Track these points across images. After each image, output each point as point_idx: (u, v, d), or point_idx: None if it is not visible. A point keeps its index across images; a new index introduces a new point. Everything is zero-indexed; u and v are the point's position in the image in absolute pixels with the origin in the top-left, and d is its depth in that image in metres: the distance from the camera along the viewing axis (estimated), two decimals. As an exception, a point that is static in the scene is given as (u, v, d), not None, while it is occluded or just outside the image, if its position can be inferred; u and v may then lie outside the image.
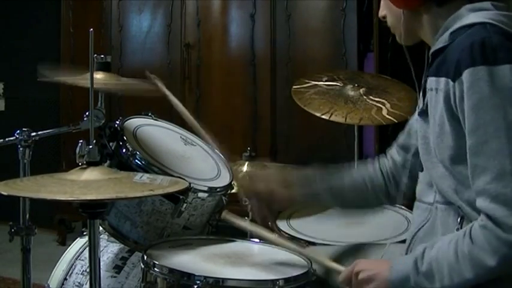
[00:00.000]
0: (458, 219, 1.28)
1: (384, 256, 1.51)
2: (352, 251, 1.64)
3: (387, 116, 2.28)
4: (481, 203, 1.19)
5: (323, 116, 2.28)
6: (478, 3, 1.30)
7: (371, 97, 2.36)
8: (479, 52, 1.19)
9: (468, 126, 1.20)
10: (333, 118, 2.28)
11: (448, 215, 1.30)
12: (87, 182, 1.34)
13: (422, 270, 1.25)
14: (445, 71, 1.25)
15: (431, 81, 1.31)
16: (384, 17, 1.46)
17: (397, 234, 1.88)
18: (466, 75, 1.19)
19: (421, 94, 1.39)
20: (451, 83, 1.23)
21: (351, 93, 2.38)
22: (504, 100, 1.17)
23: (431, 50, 1.34)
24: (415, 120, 1.47)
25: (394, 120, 2.26)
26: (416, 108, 1.44)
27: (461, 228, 1.26)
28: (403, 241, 1.54)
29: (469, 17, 1.27)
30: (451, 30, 1.28)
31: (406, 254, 1.38)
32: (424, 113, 1.35)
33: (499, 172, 1.16)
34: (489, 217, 1.17)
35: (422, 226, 1.36)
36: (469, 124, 1.20)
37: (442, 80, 1.25)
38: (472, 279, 1.20)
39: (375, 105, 2.32)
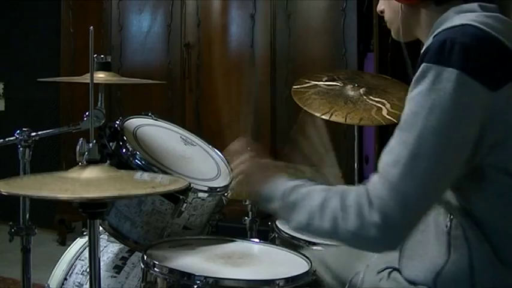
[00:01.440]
0: (447, 219, 1.28)
1: (380, 255, 1.51)
2: (349, 251, 1.64)
3: (387, 116, 2.28)
4: (373, 177, 1.21)
5: (323, 116, 2.28)
6: (465, 5, 1.29)
7: (371, 97, 2.36)
8: (437, 50, 1.19)
9: (403, 112, 1.21)
10: (333, 118, 2.28)
11: (438, 214, 1.30)
12: (88, 180, 1.34)
13: (289, 200, 1.30)
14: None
15: None
16: (382, 12, 1.46)
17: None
18: (419, 69, 1.20)
19: None
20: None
21: (351, 93, 2.38)
22: (435, 101, 1.16)
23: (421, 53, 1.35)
24: None
25: (394, 120, 2.26)
26: None
27: (450, 227, 1.27)
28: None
29: (453, 19, 1.26)
30: (435, 32, 1.28)
31: (400, 253, 1.38)
32: None
33: (397, 159, 1.17)
34: (368, 190, 1.19)
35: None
36: (404, 111, 1.21)
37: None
38: (328, 230, 1.23)
39: (375, 105, 2.32)
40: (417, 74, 1.20)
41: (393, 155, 1.19)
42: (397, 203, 1.15)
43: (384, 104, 2.31)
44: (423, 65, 1.19)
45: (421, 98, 1.18)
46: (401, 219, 1.16)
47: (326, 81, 2.46)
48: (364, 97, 2.36)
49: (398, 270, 1.39)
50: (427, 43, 1.29)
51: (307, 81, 2.47)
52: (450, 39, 1.18)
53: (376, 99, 2.35)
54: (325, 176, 1.84)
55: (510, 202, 1.22)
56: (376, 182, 1.19)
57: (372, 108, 2.31)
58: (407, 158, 1.16)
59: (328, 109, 2.30)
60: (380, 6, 1.46)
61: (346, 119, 2.27)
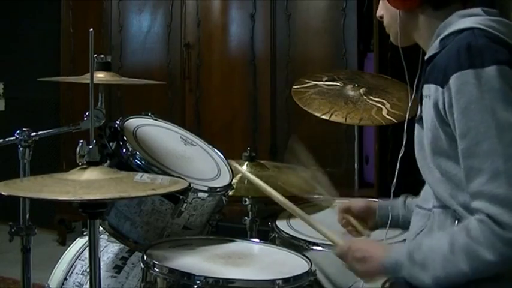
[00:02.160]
0: (455, 223, 1.28)
1: None
2: None
3: (387, 116, 2.28)
4: (476, 204, 1.20)
5: (323, 116, 2.28)
6: (468, 9, 1.31)
7: (371, 97, 2.36)
8: (466, 56, 1.21)
9: (459, 130, 1.21)
10: (333, 118, 2.28)
11: (445, 219, 1.30)
12: (89, 182, 1.34)
13: (416, 259, 1.25)
14: (434, 77, 1.27)
15: (425, 88, 1.32)
16: (381, 17, 1.48)
17: (397, 234, 1.88)
18: (453, 80, 1.21)
19: (419, 101, 1.41)
20: (440, 89, 1.24)
21: (351, 93, 2.38)
22: (492, 101, 1.18)
23: (426, 57, 1.36)
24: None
25: (394, 120, 2.26)
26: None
27: None
28: (403, 241, 1.54)
29: (458, 23, 1.28)
30: (441, 36, 1.30)
31: None
32: (420, 120, 1.37)
33: (493, 172, 1.17)
34: (486, 215, 1.18)
35: (421, 231, 1.37)
36: (460, 128, 1.21)
37: (432, 86, 1.27)
38: (468, 271, 1.19)
39: (375, 105, 2.32)
40: (455, 86, 1.21)
41: (485, 171, 1.18)
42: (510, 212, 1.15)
43: (383, 104, 2.31)
44: (458, 74, 1.20)
45: (476, 105, 1.19)
46: None
47: (326, 81, 2.46)
48: (364, 97, 2.36)
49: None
50: (433, 47, 1.30)
51: (307, 81, 2.47)
52: (468, 42, 1.22)
53: (376, 99, 2.35)
54: (325, 181, 1.86)
55: None
56: (487, 206, 1.17)
57: (372, 108, 2.31)
58: (502, 164, 1.16)
59: (328, 109, 2.30)
60: (379, 12, 1.48)
61: (346, 119, 2.27)
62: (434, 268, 1.22)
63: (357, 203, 1.70)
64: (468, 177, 1.20)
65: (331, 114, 2.28)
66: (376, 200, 1.73)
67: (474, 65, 1.19)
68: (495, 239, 1.16)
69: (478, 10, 1.31)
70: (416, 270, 1.25)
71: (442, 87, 1.23)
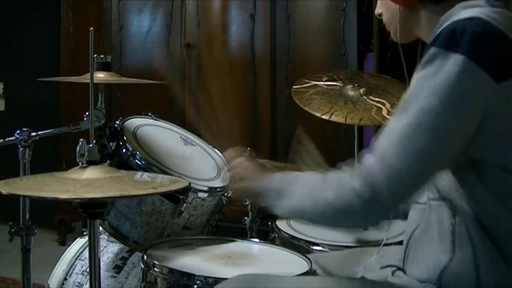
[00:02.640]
0: (452, 214, 1.27)
1: (380, 257, 1.51)
2: (350, 255, 1.64)
3: (387, 116, 2.27)
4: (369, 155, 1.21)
5: (323, 116, 2.28)
6: (472, 1, 1.30)
7: (371, 97, 2.36)
8: (446, 37, 1.19)
9: (406, 93, 1.21)
10: (333, 118, 2.27)
11: (442, 211, 1.30)
12: (89, 181, 1.34)
13: (275, 187, 1.30)
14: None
15: None
16: (380, 15, 1.46)
17: (397, 234, 1.88)
18: (428, 53, 1.20)
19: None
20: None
21: (351, 93, 2.38)
22: (437, 84, 1.16)
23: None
24: None
25: (394, 120, 2.26)
26: None
27: (454, 225, 1.27)
28: (400, 242, 1.54)
29: (461, 13, 1.27)
30: (444, 26, 1.28)
31: (404, 255, 1.38)
32: None
33: (391, 136, 1.18)
34: (360, 164, 1.19)
35: (419, 225, 1.36)
36: (406, 92, 1.21)
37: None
38: (310, 204, 1.22)
39: (375, 105, 2.32)
40: (425, 57, 1.20)
41: (389, 132, 1.19)
42: (386, 176, 1.15)
43: (383, 104, 2.31)
44: (432, 49, 1.19)
45: (424, 80, 1.18)
46: (387, 193, 1.15)
47: (326, 81, 2.46)
48: (364, 97, 2.36)
49: (401, 269, 1.39)
50: (434, 36, 1.29)
51: (307, 81, 2.47)
52: (461, 27, 1.19)
53: (376, 99, 2.35)
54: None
55: (506, 199, 1.21)
56: (368, 156, 1.19)
57: (372, 108, 2.31)
58: (402, 135, 1.16)
59: (328, 109, 2.29)
60: (378, 10, 1.47)
61: (346, 119, 2.27)
62: (287, 199, 1.26)
63: None
64: (383, 133, 1.22)
65: (331, 114, 2.28)
66: None
67: (448, 46, 1.17)
68: (339, 183, 1.18)
69: (481, 1, 1.29)
70: (275, 197, 1.29)
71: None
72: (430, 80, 1.17)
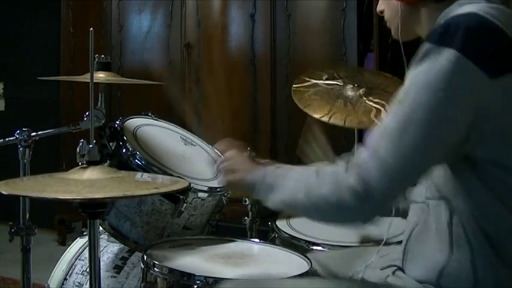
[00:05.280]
0: (450, 214, 1.27)
1: (380, 257, 1.51)
2: (350, 254, 1.64)
3: (385, 119, 2.26)
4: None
5: (322, 119, 2.27)
6: None
7: (370, 98, 2.36)
8: (440, 33, 1.19)
9: (401, 90, 1.21)
10: (332, 121, 2.27)
11: (440, 210, 1.30)
12: (91, 181, 1.34)
13: (267, 180, 1.30)
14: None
15: None
16: (382, 12, 1.47)
17: (397, 234, 1.87)
18: (422, 49, 1.20)
19: None
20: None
21: (351, 93, 2.38)
22: (430, 79, 1.16)
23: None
24: None
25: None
26: None
27: (451, 224, 1.27)
28: (400, 242, 1.54)
29: (458, 10, 1.27)
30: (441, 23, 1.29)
31: (403, 255, 1.38)
32: None
33: (384, 130, 1.18)
34: (353, 159, 1.20)
35: (417, 225, 1.36)
36: (401, 89, 1.21)
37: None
38: (303, 198, 1.22)
39: (374, 106, 2.32)
40: (420, 53, 1.20)
41: (383, 128, 1.20)
42: (379, 171, 1.15)
43: (383, 106, 2.31)
44: (426, 45, 1.19)
45: (418, 75, 1.18)
46: (381, 189, 1.16)
47: (326, 79, 2.45)
48: (364, 98, 2.35)
49: (401, 269, 1.39)
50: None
51: (307, 79, 2.47)
52: (455, 22, 1.19)
53: (376, 100, 2.34)
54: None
55: (504, 198, 1.21)
56: (362, 151, 1.20)
57: (371, 111, 2.30)
58: (395, 130, 1.17)
59: (327, 111, 2.29)
60: (380, 7, 1.47)
61: (345, 122, 2.27)
62: (281, 191, 1.27)
63: None
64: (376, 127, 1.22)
65: (330, 117, 2.28)
66: None
67: (442, 42, 1.17)
68: (342, 179, 1.18)
69: None
70: (265, 190, 1.30)
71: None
72: (422, 75, 1.18)
